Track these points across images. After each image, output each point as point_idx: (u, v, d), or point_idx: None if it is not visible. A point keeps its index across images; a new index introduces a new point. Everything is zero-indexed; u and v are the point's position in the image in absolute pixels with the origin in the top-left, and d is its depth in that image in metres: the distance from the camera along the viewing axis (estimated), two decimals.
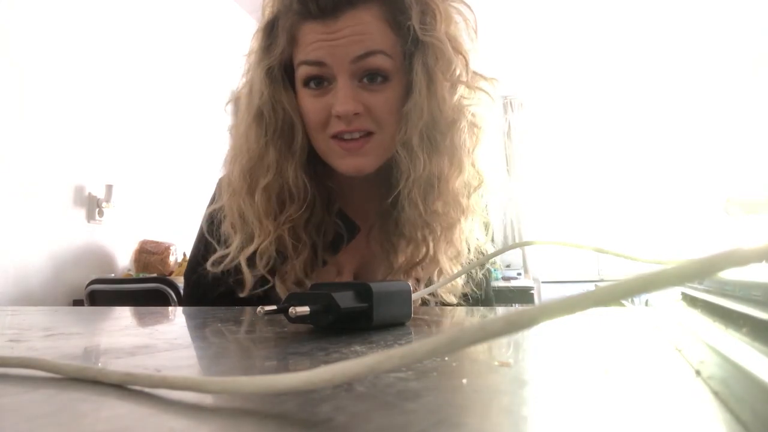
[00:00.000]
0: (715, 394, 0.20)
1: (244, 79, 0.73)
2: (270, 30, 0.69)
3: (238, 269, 0.69)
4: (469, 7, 0.69)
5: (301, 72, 0.67)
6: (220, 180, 0.76)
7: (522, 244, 0.58)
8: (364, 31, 0.64)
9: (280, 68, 0.69)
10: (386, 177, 0.70)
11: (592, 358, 0.30)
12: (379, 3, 0.65)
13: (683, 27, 4.03)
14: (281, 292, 0.69)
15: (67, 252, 2.44)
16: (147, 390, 0.22)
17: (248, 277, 0.68)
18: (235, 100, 0.75)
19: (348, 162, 0.67)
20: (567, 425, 0.18)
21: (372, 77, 0.65)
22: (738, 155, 4.20)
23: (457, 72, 0.66)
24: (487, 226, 0.74)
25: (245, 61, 0.72)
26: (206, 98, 3.22)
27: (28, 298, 2.25)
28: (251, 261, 0.68)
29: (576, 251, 0.50)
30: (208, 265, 0.70)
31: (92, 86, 2.56)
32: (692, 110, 4.63)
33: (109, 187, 2.61)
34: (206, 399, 0.20)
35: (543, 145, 5.12)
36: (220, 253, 0.70)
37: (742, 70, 4.26)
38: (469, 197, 0.69)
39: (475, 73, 0.68)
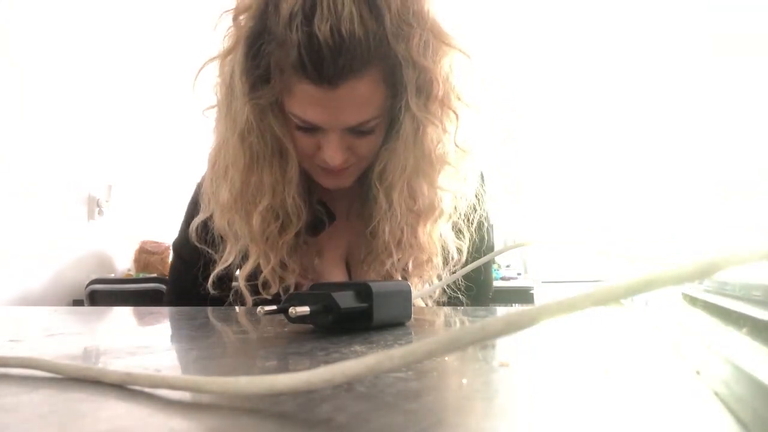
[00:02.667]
0: (715, 394, 0.20)
1: (222, 70, 0.67)
2: (255, 49, 0.62)
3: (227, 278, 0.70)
4: (467, 55, 0.65)
5: (293, 119, 0.64)
6: (203, 186, 0.74)
7: (521, 245, 0.58)
8: (362, 101, 0.61)
9: (271, 99, 0.65)
10: (365, 172, 0.71)
11: (592, 358, 0.30)
12: (380, 67, 0.61)
13: (682, 26, 4.03)
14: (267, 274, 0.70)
15: (67, 252, 2.44)
16: (147, 390, 0.22)
17: (248, 298, 0.68)
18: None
19: (330, 181, 0.69)
20: (567, 425, 0.18)
21: (361, 132, 0.64)
22: (736, 152, 4.20)
23: (447, 127, 0.65)
24: (481, 225, 0.73)
25: (221, 49, 0.66)
26: (206, 99, 3.21)
27: (28, 298, 2.25)
28: (249, 278, 0.69)
29: (576, 251, 0.50)
30: (210, 284, 0.69)
31: (92, 86, 2.56)
32: (691, 109, 4.63)
33: (109, 187, 2.62)
34: (206, 399, 0.20)
35: (542, 144, 5.12)
36: (219, 268, 0.70)
37: (740, 69, 4.26)
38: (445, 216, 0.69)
39: (468, 104, 0.66)
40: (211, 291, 0.69)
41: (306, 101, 0.61)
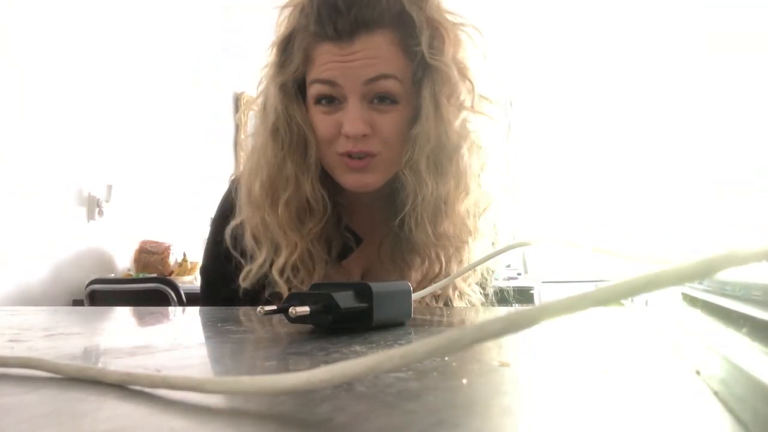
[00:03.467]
0: (715, 394, 0.20)
1: (260, 89, 0.75)
2: (285, 46, 0.71)
3: (263, 284, 0.71)
4: (479, 31, 0.71)
5: (314, 90, 0.69)
6: (233, 191, 0.77)
7: (521, 244, 0.58)
8: (377, 55, 0.66)
9: (294, 84, 0.71)
10: (393, 197, 0.73)
11: (592, 358, 0.30)
12: (393, 27, 0.67)
13: (681, 25, 4.04)
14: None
15: (67, 252, 2.44)
16: (147, 390, 0.22)
17: (284, 288, 0.69)
18: (252, 110, 0.78)
19: (353, 178, 0.69)
20: (567, 425, 0.18)
21: (382, 99, 0.67)
22: (733, 150, 4.20)
23: (462, 97, 0.68)
24: (494, 245, 0.75)
25: (261, 74, 0.74)
26: (206, 99, 3.22)
27: (28, 298, 2.25)
28: (281, 272, 0.70)
29: (576, 251, 0.50)
30: (241, 280, 0.71)
31: (92, 86, 2.56)
32: (691, 108, 4.63)
33: (109, 187, 2.62)
34: (206, 399, 0.20)
35: (542, 144, 5.11)
36: (246, 268, 0.72)
37: (740, 68, 4.26)
38: (476, 219, 0.71)
39: (481, 96, 0.70)
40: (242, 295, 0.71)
41: (324, 60, 0.67)
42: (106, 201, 2.60)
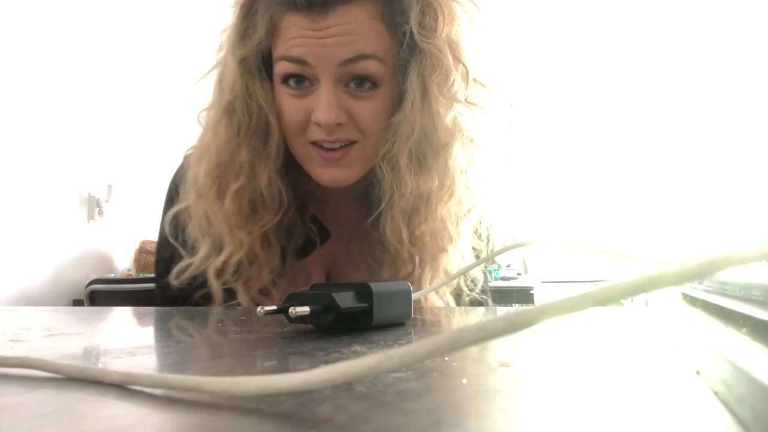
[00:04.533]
0: (715, 394, 0.20)
1: (218, 56, 0.65)
2: (248, 10, 0.60)
3: (202, 281, 0.63)
4: (475, 5, 0.62)
5: (280, 68, 0.59)
6: (181, 176, 0.68)
7: (521, 245, 0.57)
8: (356, 31, 0.57)
9: (257, 58, 0.61)
10: (366, 190, 0.65)
11: (592, 358, 0.30)
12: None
13: (682, 24, 4.03)
14: (244, 301, 0.63)
15: (67, 252, 2.44)
16: (147, 390, 0.22)
17: (217, 291, 0.62)
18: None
19: (327, 172, 0.61)
20: (567, 425, 0.18)
21: (360, 82, 0.59)
22: (736, 151, 4.20)
23: (455, 86, 0.59)
24: (477, 251, 0.68)
25: (221, 38, 0.64)
26: (207, 99, 3.21)
27: (28, 298, 2.25)
28: (219, 272, 0.63)
29: (576, 251, 0.50)
30: (172, 276, 0.64)
31: (92, 86, 2.56)
32: (691, 107, 4.63)
33: (109, 187, 2.62)
34: (206, 399, 0.20)
35: (541, 144, 5.11)
36: (184, 262, 0.64)
37: (739, 66, 4.26)
38: (458, 223, 0.64)
39: (475, 80, 0.61)
40: (174, 285, 0.63)
41: (293, 35, 0.57)
42: (106, 201, 2.60)
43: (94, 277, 2.39)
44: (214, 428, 0.18)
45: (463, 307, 0.69)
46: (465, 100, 0.61)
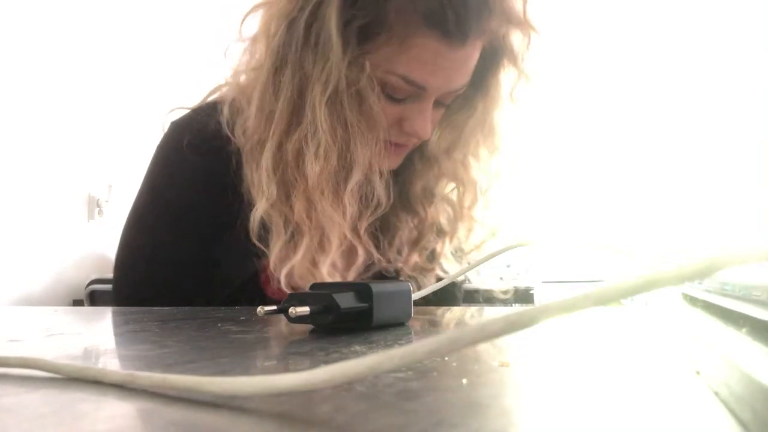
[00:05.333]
0: (716, 394, 0.20)
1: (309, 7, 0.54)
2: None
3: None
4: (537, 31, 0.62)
5: (391, 81, 0.56)
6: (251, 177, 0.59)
7: (521, 244, 0.57)
8: (471, 65, 0.56)
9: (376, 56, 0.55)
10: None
11: (592, 358, 0.30)
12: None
13: (684, 23, 4.03)
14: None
15: (67, 252, 2.43)
16: (147, 390, 0.22)
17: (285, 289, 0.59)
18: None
19: (387, 163, 0.61)
20: (567, 425, 0.18)
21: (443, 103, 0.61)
22: (736, 151, 4.19)
23: (516, 93, 0.62)
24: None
25: None
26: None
27: (28, 298, 2.25)
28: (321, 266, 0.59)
29: (576, 251, 0.50)
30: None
31: (92, 86, 2.55)
32: (691, 107, 4.63)
33: (109, 187, 2.62)
34: (206, 399, 0.20)
35: (541, 143, 5.10)
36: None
37: (739, 66, 4.26)
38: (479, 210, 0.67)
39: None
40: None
41: (425, 59, 0.53)
42: (106, 201, 2.60)
43: (94, 277, 2.39)
44: (214, 428, 0.18)
45: (463, 308, 0.69)
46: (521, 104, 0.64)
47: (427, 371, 0.24)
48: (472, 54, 0.56)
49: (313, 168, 0.55)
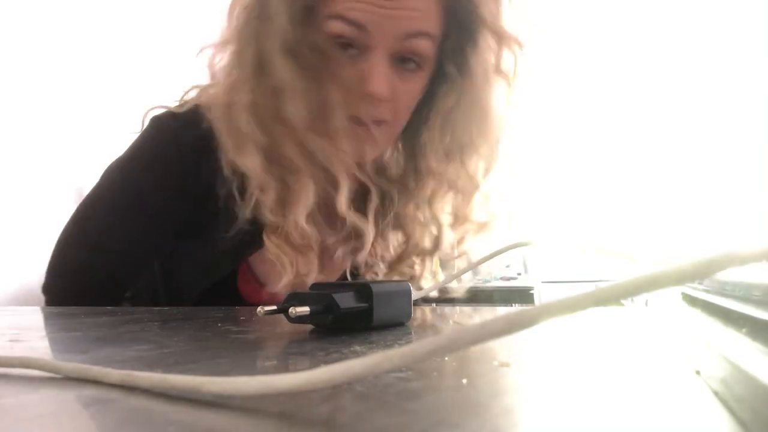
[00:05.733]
0: (715, 394, 0.20)
1: None
2: None
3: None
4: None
5: (331, 27, 0.55)
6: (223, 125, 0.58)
7: (521, 244, 0.57)
8: (421, 6, 0.54)
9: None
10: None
11: (593, 358, 0.30)
12: None
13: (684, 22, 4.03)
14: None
15: None
16: (147, 390, 0.22)
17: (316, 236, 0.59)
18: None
19: (357, 147, 0.59)
20: (567, 425, 0.18)
21: (405, 60, 0.57)
22: (736, 151, 4.19)
23: (503, 74, 0.60)
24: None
25: None
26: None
27: (28, 298, 2.25)
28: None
29: (576, 252, 0.50)
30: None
31: (92, 85, 2.55)
32: (692, 107, 4.63)
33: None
34: (206, 399, 0.20)
35: (541, 143, 5.10)
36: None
37: (740, 66, 4.26)
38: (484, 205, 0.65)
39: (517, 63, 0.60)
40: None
41: None
42: None
43: None
44: (214, 428, 0.18)
45: (462, 308, 0.69)
46: (509, 87, 0.61)
47: (427, 371, 0.24)
48: None
49: (295, 110, 0.55)
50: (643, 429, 0.17)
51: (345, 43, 0.55)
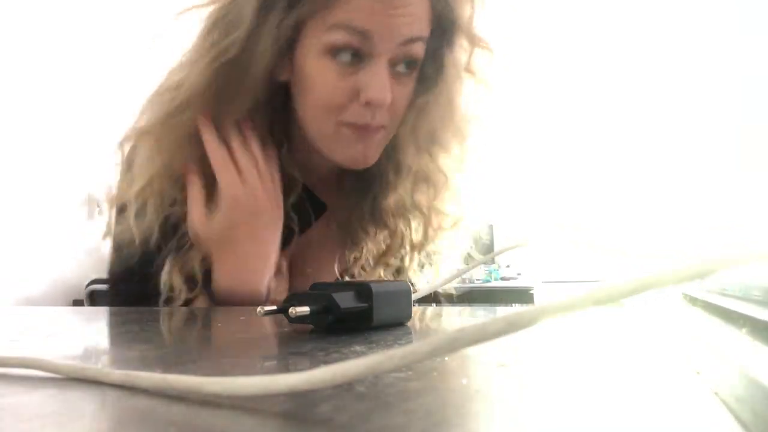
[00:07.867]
0: (715, 394, 0.20)
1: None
2: None
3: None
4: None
5: (336, 37, 0.55)
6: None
7: (521, 244, 0.57)
8: (417, 11, 0.56)
9: (287, 14, 0.55)
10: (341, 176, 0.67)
11: (592, 359, 0.30)
12: None
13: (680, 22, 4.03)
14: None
15: (67, 252, 2.43)
16: (147, 390, 0.22)
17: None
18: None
19: (357, 151, 0.59)
20: (567, 425, 0.18)
21: (400, 65, 0.58)
22: (737, 151, 4.19)
23: (480, 73, 0.62)
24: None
25: None
26: None
27: (28, 298, 2.25)
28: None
29: (575, 252, 0.50)
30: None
31: (92, 85, 2.55)
32: (693, 106, 4.62)
33: (110, 187, 2.62)
34: (206, 399, 0.20)
35: (540, 143, 5.10)
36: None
37: (740, 65, 4.26)
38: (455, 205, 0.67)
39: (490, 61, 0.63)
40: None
41: (361, 5, 0.53)
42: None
43: (94, 277, 2.39)
44: (214, 428, 0.18)
45: (462, 308, 0.69)
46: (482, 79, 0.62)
47: (427, 371, 0.24)
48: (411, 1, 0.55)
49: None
50: (643, 429, 0.17)
51: (337, 51, 0.56)
